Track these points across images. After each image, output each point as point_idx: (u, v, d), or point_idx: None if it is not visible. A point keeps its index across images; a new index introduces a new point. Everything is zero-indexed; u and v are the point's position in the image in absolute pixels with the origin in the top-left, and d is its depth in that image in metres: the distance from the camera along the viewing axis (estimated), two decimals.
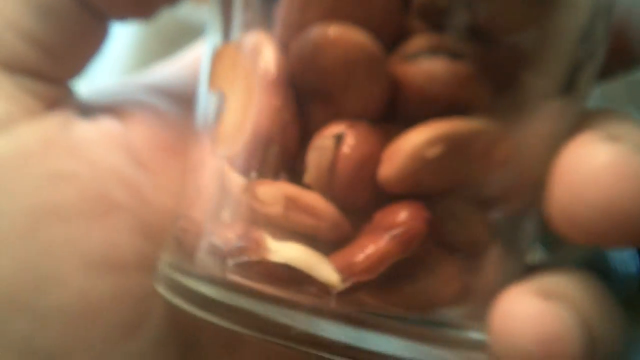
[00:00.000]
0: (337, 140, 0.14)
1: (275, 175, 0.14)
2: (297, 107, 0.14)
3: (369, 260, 0.14)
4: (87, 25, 0.18)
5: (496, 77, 0.14)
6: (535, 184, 0.15)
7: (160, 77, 0.21)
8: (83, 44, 0.19)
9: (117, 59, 0.42)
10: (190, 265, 0.15)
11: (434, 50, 0.14)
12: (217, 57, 0.16)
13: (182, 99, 0.20)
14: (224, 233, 0.15)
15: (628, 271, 0.44)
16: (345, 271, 0.14)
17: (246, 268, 0.14)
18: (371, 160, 0.14)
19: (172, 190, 0.19)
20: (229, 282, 0.14)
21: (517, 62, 0.14)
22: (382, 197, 0.14)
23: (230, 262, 0.14)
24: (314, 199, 0.14)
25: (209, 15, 0.17)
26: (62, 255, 0.16)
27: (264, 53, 0.14)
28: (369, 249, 0.14)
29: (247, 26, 0.15)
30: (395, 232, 0.14)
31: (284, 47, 0.14)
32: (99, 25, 0.18)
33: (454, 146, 0.14)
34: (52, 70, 0.18)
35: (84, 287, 0.17)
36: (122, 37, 0.41)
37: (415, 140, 0.13)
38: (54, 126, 0.18)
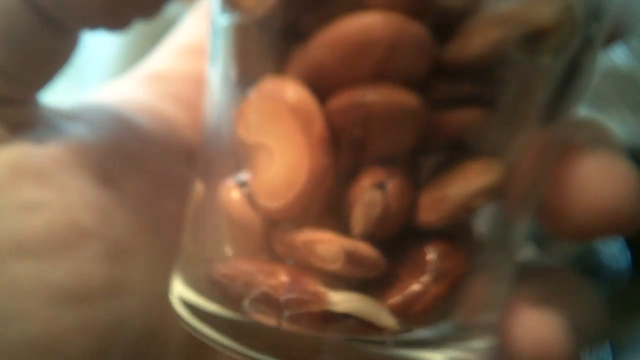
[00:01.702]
0: (382, 191, 0.15)
1: (316, 224, 0.16)
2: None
3: (422, 303, 0.15)
4: (52, 42, 0.18)
5: (506, 119, 0.16)
6: (526, 196, 0.17)
7: (133, 93, 0.22)
8: (49, 61, 0.19)
9: (107, 58, 0.41)
10: (237, 311, 0.16)
11: (464, 98, 0.15)
12: (248, 105, 0.17)
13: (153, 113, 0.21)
14: (272, 281, 0.16)
15: (618, 266, 0.45)
16: (401, 314, 0.15)
17: (300, 317, 0.16)
18: (409, 203, 0.16)
19: (138, 203, 0.19)
20: (285, 330, 0.16)
21: (522, 100, 0.16)
22: (410, 233, 0.16)
23: (287, 312, 0.15)
24: (366, 250, 0.15)
25: (220, 51, 0.17)
26: (29, 290, 0.17)
27: (310, 110, 0.15)
28: (420, 291, 0.15)
29: (263, 71, 0.16)
30: (440, 272, 0.16)
31: (319, 98, 0.15)
32: (66, 38, 0.19)
33: (492, 195, 0.16)
34: (16, 93, 0.18)
35: (50, 321, 0.17)
36: (112, 36, 0.41)
37: (462, 192, 0.15)
38: (21, 153, 0.18)
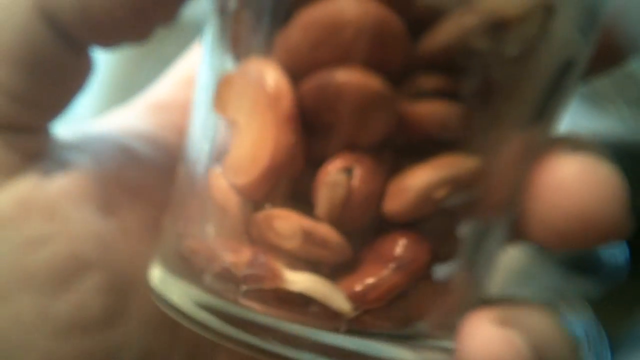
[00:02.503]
0: (348, 175, 0.15)
1: (283, 206, 0.16)
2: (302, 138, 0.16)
3: (379, 291, 0.16)
4: (70, 63, 0.19)
5: (480, 112, 0.16)
6: (505, 200, 0.17)
7: (135, 123, 0.23)
8: (66, 85, 0.19)
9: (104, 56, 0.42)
10: (198, 285, 0.17)
11: (436, 91, 0.15)
12: (225, 84, 0.17)
13: (157, 142, 0.22)
14: (234, 258, 0.16)
15: (616, 263, 0.45)
16: (357, 301, 0.16)
17: (258, 293, 0.16)
18: (376, 193, 0.16)
19: (138, 232, 0.20)
20: (241, 305, 0.16)
21: (497, 97, 0.16)
22: (379, 222, 0.16)
23: (243, 287, 0.16)
24: (327, 232, 0.16)
25: (208, 36, 0.18)
26: (32, 323, 0.18)
27: (280, 87, 0.16)
28: (378, 279, 0.16)
29: (252, 52, 0.17)
30: (401, 263, 0.16)
31: (292, 78, 0.16)
32: (82, 59, 0.19)
33: (457, 187, 0.16)
34: (33, 119, 0.19)
35: (50, 352, 0.18)
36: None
37: (424, 180, 0.15)
38: (30, 186, 0.19)
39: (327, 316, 0.16)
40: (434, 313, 0.17)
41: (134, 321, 0.20)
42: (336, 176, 0.15)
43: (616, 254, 0.45)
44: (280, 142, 0.15)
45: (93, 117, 0.23)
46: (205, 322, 0.16)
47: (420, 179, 0.15)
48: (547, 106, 0.17)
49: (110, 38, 0.19)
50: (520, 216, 0.17)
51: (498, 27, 0.15)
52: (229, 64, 0.17)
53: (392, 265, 0.16)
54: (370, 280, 0.16)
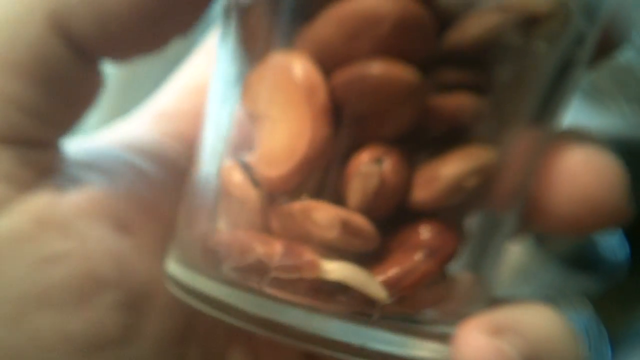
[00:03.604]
0: (379, 165, 0.16)
1: (317, 197, 0.17)
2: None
3: (414, 277, 0.17)
4: (83, 77, 0.19)
5: (502, 105, 0.17)
6: (515, 192, 0.18)
7: (142, 135, 0.23)
8: (78, 99, 0.20)
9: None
10: (222, 276, 0.18)
11: (461, 84, 0.16)
12: (253, 78, 0.18)
13: (164, 159, 0.23)
14: (265, 248, 0.17)
15: (616, 259, 0.46)
16: (393, 288, 0.16)
17: (284, 282, 0.17)
18: (404, 183, 0.17)
19: (152, 249, 0.21)
20: (265, 292, 0.17)
21: (517, 91, 0.17)
22: (404, 212, 0.17)
23: (272, 275, 0.17)
24: (361, 222, 0.16)
25: (222, 32, 0.19)
26: (50, 341, 0.18)
27: (314, 80, 0.16)
28: (412, 266, 0.17)
29: (271, 47, 0.17)
30: (432, 250, 0.17)
31: (324, 71, 0.16)
32: (95, 74, 0.19)
33: (485, 177, 0.16)
34: (46, 134, 0.19)
35: None
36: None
37: (456, 170, 0.16)
38: (45, 202, 0.19)
39: (357, 305, 0.16)
40: (445, 301, 0.18)
41: (149, 338, 0.20)
42: (368, 167, 0.16)
43: (616, 250, 0.46)
44: (317, 134, 0.16)
45: (96, 119, 0.24)
46: (230, 309, 0.17)
47: (451, 168, 0.16)
48: (555, 99, 0.18)
49: (126, 51, 0.19)
50: (530, 204, 0.18)
51: (529, 23, 0.16)
52: (245, 60, 0.18)
53: (423, 252, 0.16)
54: (403, 267, 0.16)
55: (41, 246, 0.18)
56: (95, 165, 0.21)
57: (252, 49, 0.18)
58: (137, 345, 0.20)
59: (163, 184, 0.22)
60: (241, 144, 0.19)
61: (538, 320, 0.17)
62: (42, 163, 0.19)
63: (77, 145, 0.21)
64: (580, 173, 0.17)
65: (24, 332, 0.18)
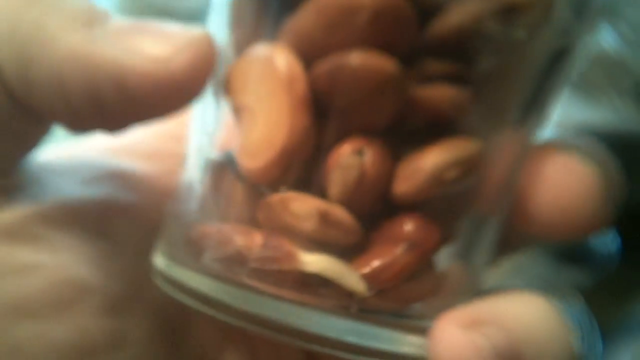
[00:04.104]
0: (360, 157, 0.16)
1: (296, 189, 0.17)
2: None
3: (393, 270, 0.17)
4: (25, 124, 0.19)
5: (484, 97, 0.17)
6: (498, 191, 0.18)
7: (134, 134, 0.23)
8: (23, 142, 0.19)
9: None
10: (204, 268, 0.18)
11: (442, 76, 0.16)
12: (235, 69, 0.18)
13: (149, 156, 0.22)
14: (245, 240, 0.17)
15: (608, 251, 0.46)
16: (372, 281, 0.16)
17: (264, 273, 0.17)
18: (386, 175, 0.17)
19: (133, 252, 0.20)
20: (246, 284, 0.17)
21: (500, 82, 0.17)
22: (386, 205, 0.17)
23: (251, 266, 0.17)
24: (341, 214, 0.16)
25: (214, 24, 0.18)
26: (32, 351, 0.18)
27: (293, 71, 0.16)
28: (392, 259, 0.17)
29: (257, 38, 0.17)
30: (413, 243, 0.17)
31: (304, 63, 0.16)
32: (38, 126, 0.19)
33: (465, 169, 0.17)
34: None
35: None
36: None
37: (435, 162, 0.16)
38: (12, 217, 0.19)
39: (336, 297, 0.17)
40: (432, 296, 0.18)
41: (138, 341, 0.20)
42: (349, 158, 0.16)
43: (607, 242, 0.46)
44: (295, 124, 0.16)
45: None
46: (213, 301, 0.17)
47: (430, 160, 0.16)
48: (542, 92, 0.18)
49: (49, 119, 0.19)
50: (514, 208, 0.18)
51: (509, 11, 0.16)
52: (230, 51, 0.18)
53: (404, 245, 0.17)
54: (383, 260, 0.16)
55: (12, 258, 0.18)
56: (72, 173, 0.21)
57: (239, 42, 0.18)
58: (126, 350, 0.19)
59: (153, 186, 0.22)
60: (227, 138, 0.19)
61: (523, 310, 0.17)
62: (1, 186, 0.19)
63: (57, 151, 0.21)
64: (561, 180, 0.18)
65: (4, 345, 0.17)
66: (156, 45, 0.16)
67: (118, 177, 0.21)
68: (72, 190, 0.20)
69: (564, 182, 0.18)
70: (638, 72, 0.43)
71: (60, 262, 0.19)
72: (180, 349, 0.21)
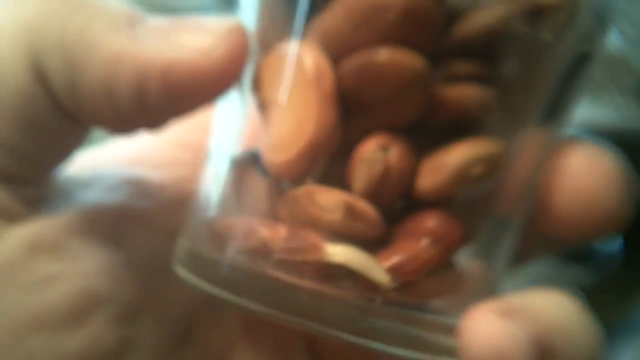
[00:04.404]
0: (385, 153, 0.16)
1: (322, 183, 0.17)
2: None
3: (417, 263, 0.17)
4: (66, 130, 0.19)
5: (508, 98, 0.17)
6: (520, 192, 0.19)
7: (147, 144, 0.24)
8: (61, 146, 0.20)
9: None
10: (227, 259, 0.18)
11: (468, 76, 0.17)
12: (264, 66, 0.18)
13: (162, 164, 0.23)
14: (270, 232, 0.17)
15: (610, 251, 0.46)
16: (395, 274, 0.17)
17: (287, 264, 0.17)
18: (410, 171, 0.17)
19: (145, 260, 0.21)
20: (270, 275, 0.17)
21: (524, 84, 0.17)
22: (410, 201, 0.17)
23: (276, 257, 0.17)
24: (365, 207, 0.17)
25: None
26: None
27: (321, 68, 0.17)
28: (416, 252, 0.17)
29: (285, 36, 0.18)
30: (436, 237, 0.17)
31: (331, 59, 0.17)
32: (79, 128, 0.20)
33: (491, 166, 0.17)
34: (29, 173, 0.20)
35: None
36: None
37: (461, 158, 0.17)
38: (36, 228, 0.19)
39: (359, 290, 0.17)
40: (452, 294, 0.18)
41: (145, 348, 0.20)
42: (374, 154, 0.17)
43: (609, 242, 0.46)
44: (322, 120, 0.16)
45: None
46: (235, 292, 0.17)
47: (455, 156, 0.17)
48: (565, 95, 0.18)
49: (93, 123, 0.19)
50: (536, 205, 0.19)
51: (535, 13, 0.16)
52: (257, 48, 0.18)
53: (427, 240, 0.17)
54: (407, 254, 0.17)
55: (34, 270, 0.18)
56: (95, 184, 0.21)
57: (266, 40, 0.18)
58: (133, 357, 0.20)
59: (165, 195, 0.22)
60: (251, 134, 0.19)
61: (552, 305, 0.17)
62: (32, 196, 0.19)
63: (77, 162, 0.21)
64: (583, 176, 0.18)
65: (19, 356, 0.18)
66: (197, 37, 0.17)
67: (133, 185, 0.22)
68: (93, 199, 0.21)
69: (587, 175, 0.18)
70: None
71: (78, 272, 0.19)
72: (190, 354, 0.22)
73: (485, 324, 0.17)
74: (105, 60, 0.17)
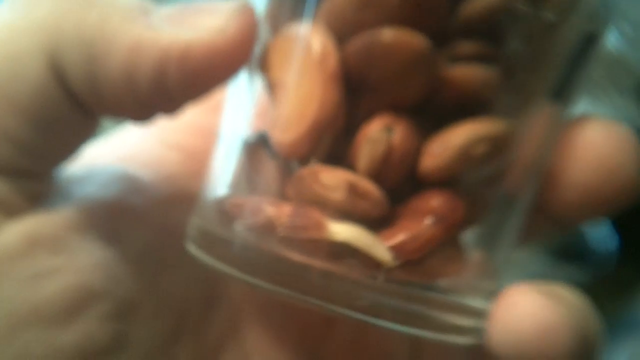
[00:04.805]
0: (388, 133, 0.16)
1: (326, 162, 0.18)
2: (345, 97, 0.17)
3: (419, 242, 0.17)
4: (77, 124, 0.20)
5: (513, 79, 0.18)
6: (526, 173, 0.19)
7: (140, 144, 0.24)
8: (71, 140, 0.20)
9: None
10: (235, 236, 0.18)
11: (472, 56, 0.17)
12: (271, 47, 0.19)
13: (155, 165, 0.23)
14: (275, 210, 0.18)
15: (606, 249, 0.46)
16: (398, 251, 0.17)
17: (293, 242, 0.17)
18: (413, 152, 0.17)
19: (139, 256, 0.21)
20: (276, 252, 0.18)
21: (529, 64, 0.18)
22: (414, 182, 0.18)
23: (281, 234, 0.17)
24: (368, 186, 0.17)
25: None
26: (40, 356, 0.19)
27: (326, 48, 0.17)
28: (418, 231, 0.17)
29: (295, 17, 0.18)
30: (437, 218, 0.17)
31: (337, 40, 0.17)
32: (90, 121, 0.20)
33: (494, 145, 0.17)
34: (35, 166, 0.20)
35: None
36: None
37: (463, 138, 0.17)
38: (36, 222, 0.19)
39: (363, 268, 0.17)
40: (457, 273, 0.19)
41: (138, 344, 0.21)
42: (378, 133, 0.17)
43: (605, 241, 0.47)
44: (326, 99, 0.17)
45: None
46: (243, 268, 0.18)
47: (459, 136, 0.17)
48: (570, 77, 0.19)
49: (113, 114, 0.20)
50: (547, 177, 0.19)
51: None
52: (267, 30, 0.19)
53: (430, 219, 0.17)
54: (410, 232, 0.17)
55: (32, 263, 0.19)
56: (90, 180, 0.22)
57: (276, 22, 0.19)
58: (127, 352, 0.20)
59: (155, 192, 0.23)
60: (260, 116, 0.19)
61: (578, 297, 0.18)
62: (34, 190, 0.20)
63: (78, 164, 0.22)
64: (602, 145, 0.18)
65: (14, 348, 0.18)
66: (210, 18, 0.18)
67: (126, 181, 0.22)
68: (88, 194, 0.21)
69: (606, 144, 0.18)
70: (639, 70, 0.44)
71: (75, 267, 0.19)
72: (183, 350, 0.22)
73: (528, 299, 0.17)
74: (125, 49, 0.17)
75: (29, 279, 0.19)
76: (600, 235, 0.47)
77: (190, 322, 0.22)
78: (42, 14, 0.18)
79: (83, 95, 0.18)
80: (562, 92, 0.19)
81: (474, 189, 0.18)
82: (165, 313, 0.21)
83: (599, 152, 0.18)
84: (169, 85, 0.18)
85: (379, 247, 0.17)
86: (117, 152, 0.24)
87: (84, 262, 0.20)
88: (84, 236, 0.20)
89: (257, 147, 0.19)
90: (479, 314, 0.18)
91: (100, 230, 0.20)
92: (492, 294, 0.18)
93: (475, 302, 0.18)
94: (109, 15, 0.18)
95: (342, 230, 0.17)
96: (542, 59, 0.18)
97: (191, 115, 0.23)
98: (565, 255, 0.47)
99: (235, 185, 0.19)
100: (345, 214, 0.17)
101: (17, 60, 0.18)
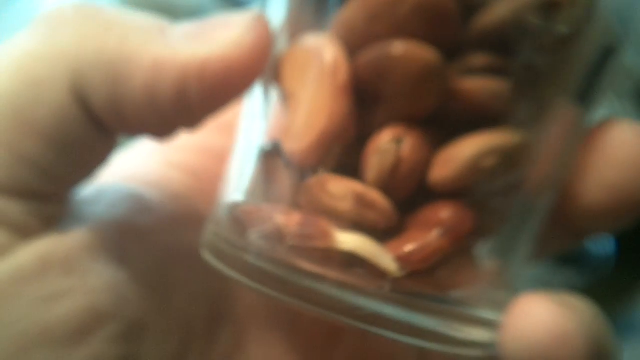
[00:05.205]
0: (398, 144, 0.17)
1: (335, 172, 0.18)
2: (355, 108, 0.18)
3: (425, 253, 0.17)
4: (95, 145, 0.20)
5: (526, 91, 0.18)
6: (546, 181, 0.19)
7: (147, 165, 0.24)
8: (89, 162, 0.21)
9: None
10: (245, 242, 0.19)
11: (484, 69, 0.17)
12: (285, 58, 0.19)
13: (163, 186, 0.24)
14: (284, 218, 0.18)
15: (604, 253, 0.47)
16: (403, 262, 0.17)
17: (303, 251, 0.18)
18: (423, 163, 0.18)
19: (148, 277, 0.22)
20: (285, 261, 0.18)
21: (542, 76, 0.18)
22: (423, 193, 0.18)
23: (289, 243, 0.18)
24: (376, 196, 0.17)
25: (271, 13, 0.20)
26: None
27: (337, 60, 0.17)
28: (425, 242, 0.17)
29: (315, 28, 0.18)
30: (445, 229, 0.17)
31: (348, 52, 0.17)
32: (108, 142, 0.20)
33: (505, 157, 0.17)
34: (52, 189, 0.20)
35: None
36: None
37: (472, 150, 0.17)
38: (49, 243, 0.20)
39: (371, 278, 0.17)
40: (470, 285, 0.19)
41: None
42: (387, 144, 0.17)
43: (603, 245, 0.47)
44: (335, 110, 0.17)
45: None
46: (256, 277, 0.18)
47: (468, 148, 0.17)
48: (588, 90, 0.19)
49: (136, 132, 0.20)
50: (568, 192, 0.19)
51: (551, 6, 0.17)
52: (284, 41, 0.19)
53: (437, 230, 0.17)
54: (416, 243, 0.17)
55: (44, 285, 0.19)
56: (99, 201, 0.22)
57: (293, 33, 0.19)
58: None
59: (163, 212, 0.23)
60: (275, 125, 0.20)
61: (589, 306, 0.18)
62: (49, 213, 0.20)
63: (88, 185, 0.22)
64: (632, 142, 0.18)
65: None
66: (226, 31, 0.18)
67: (134, 200, 0.23)
68: (99, 216, 0.21)
69: (636, 144, 0.18)
70: (638, 75, 0.44)
71: (86, 288, 0.20)
72: None
73: (542, 307, 0.17)
74: (146, 69, 0.18)
75: (41, 300, 0.19)
76: (598, 239, 0.47)
77: (197, 339, 0.22)
78: (64, 39, 0.19)
79: (105, 117, 0.19)
80: (582, 102, 0.19)
81: (487, 200, 0.18)
82: (173, 332, 0.22)
83: (632, 151, 0.18)
84: (190, 101, 0.18)
85: (385, 257, 0.17)
86: (123, 172, 0.24)
87: (94, 284, 0.20)
88: (94, 257, 0.20)
89: (272, 156, 0.19)
90: (490, 325, 0.18)
91: (110, 250, 0.21)
92: (504, 305, 0.18)
93: (487, 314, 0.19)
94: (128, 36, 0.18)
95: (348, 240, 0.17)
96: (557, 71, 0.18)
97: (196, 135, 0.23)
98: (563, 259, 0.47)
99: (251, 193, 0.20)
100: (353, 224, 0.17)
101: (39, 86, 0.18)
